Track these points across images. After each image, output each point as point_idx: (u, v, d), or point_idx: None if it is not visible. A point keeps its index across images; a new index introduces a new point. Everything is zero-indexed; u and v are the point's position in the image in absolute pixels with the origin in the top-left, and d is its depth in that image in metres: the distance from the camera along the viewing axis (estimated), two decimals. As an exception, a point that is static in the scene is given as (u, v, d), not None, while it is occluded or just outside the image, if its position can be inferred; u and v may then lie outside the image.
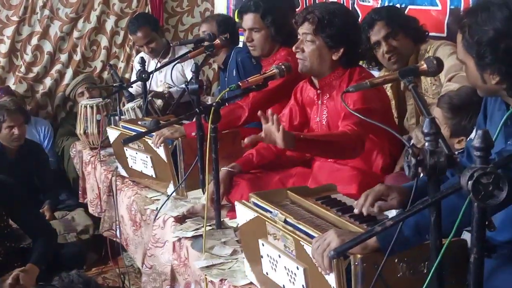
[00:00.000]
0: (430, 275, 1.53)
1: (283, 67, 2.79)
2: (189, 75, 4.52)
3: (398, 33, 3.08)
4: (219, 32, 3.99)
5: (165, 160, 3.17)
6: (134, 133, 3.21)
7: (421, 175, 1.56)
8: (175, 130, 3.18)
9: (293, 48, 2.83)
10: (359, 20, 3.56)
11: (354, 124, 2.62)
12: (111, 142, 3.72)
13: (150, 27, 4.87)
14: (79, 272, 1.96)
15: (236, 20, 4.50)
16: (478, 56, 1.81)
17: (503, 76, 1.80)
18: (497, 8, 1.79)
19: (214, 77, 5.95)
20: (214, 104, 2.65)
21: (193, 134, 3.02)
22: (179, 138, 3.17)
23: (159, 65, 4.47)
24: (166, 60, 4.71)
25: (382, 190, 1.98)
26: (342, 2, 4.17)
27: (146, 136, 3.11)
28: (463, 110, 2.39)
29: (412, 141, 1.57)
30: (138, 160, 3.43)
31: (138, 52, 5.60)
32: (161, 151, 3.16)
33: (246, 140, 2.53)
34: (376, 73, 3.30)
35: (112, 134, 3.64)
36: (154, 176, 3.36)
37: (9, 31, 5.46)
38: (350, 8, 4.08)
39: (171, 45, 4.94)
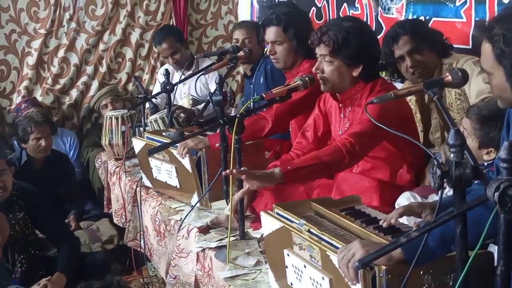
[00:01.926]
0: (457, 285, 1.52)
1: (306, 78, 2.82)
2: (213, 87, 4.55)
3: (423, 48, 3.07)
4: (257, 38, 4.00)
5: (190, 170, 3.18)
6: (158, 144, 3.23)
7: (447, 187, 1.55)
8: (199, 141, 3.19)
9: (313, 69, 2.84)
10: (383, 33, 3.57)
11: (352, 135, 2.64)
12: (136, 153, 3.74)
13: (175, 39, 4.90)
14: (117, 278, 1.97)
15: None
16: (511, 65, 1.79)
17: None
18: None
19: (238, 89, 5.98)
20: (238, 115, 2.66)
21: (217, 145, 3.03)
22: (203, 149, 3.18)
23: (183, 77, 4.51)
24: (190, 72, 4.73)
25: (414, 207, 1.97)
26: (365, 15, 4.19)
27: (171, 147, 3.13)
28: (492, 121, 2.37)
29: (441, 158, 1.56)
30: (163, 171, 3.45)
31: (162, 64, 5.66)
32: (186, 162, 3.18)
33: (234, 171, 2.57)
34: (398, 85, 3.29)
35: (138, 144, 3.66)
36: (178, 186, 3.37)
37: (36, 44, 5.53)
38: (374, 20, 4.09)
39: (195, 57, 4.97)
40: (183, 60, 4.85)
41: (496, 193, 1.33)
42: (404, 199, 2.48)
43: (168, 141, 3.20)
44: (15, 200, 3.42)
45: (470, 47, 3.36)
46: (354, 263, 1.67)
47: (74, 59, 5.66)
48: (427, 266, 1.71)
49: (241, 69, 5.39)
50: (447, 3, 3.52)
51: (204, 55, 4.77)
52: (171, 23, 5.81)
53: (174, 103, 4.53)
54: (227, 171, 2.60)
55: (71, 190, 4.68)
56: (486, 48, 1.85)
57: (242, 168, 2.62)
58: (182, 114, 4.34)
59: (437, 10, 3.60)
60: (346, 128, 2.87)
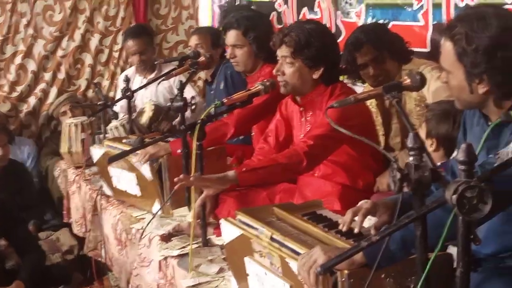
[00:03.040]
0: (418, 287, 1.54)
1: (267, 83, 2.81)
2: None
3: (385, 57, 3.11)
4: (211, 45, 3.99)
5: (150, 178, 3.16)
6: (118, 151, 3.20)
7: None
8: (160, 148, 3.16)
9: (274, 71, 2.85)
10: (343, 37, 3.59)
11: (311, 138, 2.67)
12: (94, 161, 3.70)
13: (148, 39, 4.89)
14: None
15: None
16: (472, 64, 1.81)
17: (495, 85, 1.82)
18: (493, 17, 1.81)
19: (200, 94, 5.96)
20: (198, 121, 2.65)
21: (179, 151, 3.01)
22: (164, 156, 3.16)
23: (144, 81, 4.48)
24: (152, 76, 4.71)
25: (369, 208, 1.98)
26: (324, 18, 4.21)
27: (131, 156, 3.11)
28: (447, 117, 2.41)
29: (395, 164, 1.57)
30: (123, 179, 3.42)
31: (122, 70, 5.62)
32: (145, 170, 3.16)
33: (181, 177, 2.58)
34: (358, 89, 3.31)
35: (96, 153, 3.63)
36: (139, 194, 3.34)
37: (-8, 51, 5.46)
38: (333, 24, 4.12)
39: (155, 62, 4.94)
40: (148, 62, 4.82)
41: (454, 196, 1.34)
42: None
43: (128, 148, 3.15)
44: None
45: (428, 50, 3.41)
46: (316, 268, 1.66)
47: (32, 65, 5.59)
48: (388, 269, 1.71)
49: (202, 74, 5.38)
50: (405, 7, 3.56)
51: (165, 61, 4.75)
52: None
53: (135, 108, 4.51)
54: (176, 179, 2.59)
55: (29, 200, 4.60)
56: (447, 46, 1.87)
57: (196, 173, 2.60)
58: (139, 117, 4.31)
59: (396, 14, 3.64)
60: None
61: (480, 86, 1.84)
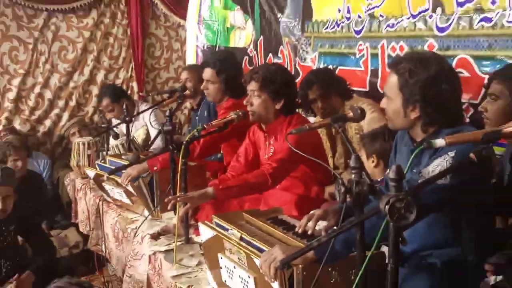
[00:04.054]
0: (356, 281, 1.54)
1: (240, 113, 2.82)
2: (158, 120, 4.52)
3: (331, 94, 3.13)
4: (198, 79, 3.96)
5: (135, 194, 3.14)
6: (105, 172, 3.18)
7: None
8: (139, 169, 3.08)
9: (244, 101, 2.84)
10: (300, 77, 3.62)
11: (275, 161, 2.66)
12: (91, 179, 3.61)
13: (110, 99, 4.66)
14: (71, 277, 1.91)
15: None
16: (410, 94, 1.84)
17: (424, 113, 1.85)
18: (432, 60, 1.86)
19: (185, 120, 5.95)
20: (184, 141, 2.63)
21: (155, 168, 3.01)
22: (156, 172, 3.11)
23: (141, 109, 4.46)
24: (147, 107, 4.67)
25: (320, 214, 1.99)
26: (286, 62, 4.25)
27: (115, 177, 3.08)
28: (379, 135, 2.42)
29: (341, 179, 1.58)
30: (115, 193, 3.39)
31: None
32: (130, 188, 3.13)
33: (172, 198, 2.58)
34: (312, 119, 3.34)
35: (90, 173, 3.56)
36: (131, 203, 3.31)
37: (16, 82, 5.39)
38: (293, 67, 4.16)
39: (149, 94, 4.88)
40: (119, 114, 4.58)
41: (386, 206, 1.35)
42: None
43: (117, 168, 3.00)
44: (10, 216, 3.26)
45: (367, 89, 3.45)
46: (276, 263, 1.67)
47: (48, 94, 5.54)
48: (334, 264, 1.72)
49: (188, 104, 5.35)
50: (350, 55, 3.61)
51: (157, 93, 4.73)
52: (130, 67, 5.77)
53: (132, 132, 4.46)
54: (166, 199, 2.60)
55: (43, 203, 4.50)
56: (392, 78, 1.90)
57: (180, 193, 2.60)
58: (135, 137, 4.24)
59: (342, 61, 3.68)
60: (271, 153, 2.87)
61: (413, 113, 1.87)
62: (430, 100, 1.83)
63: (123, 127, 4.16)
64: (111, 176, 3.10)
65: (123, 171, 3.04)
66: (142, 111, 4.37)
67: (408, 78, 1.85)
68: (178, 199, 2.55)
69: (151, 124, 4.58)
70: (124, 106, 3.98)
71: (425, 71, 1.83)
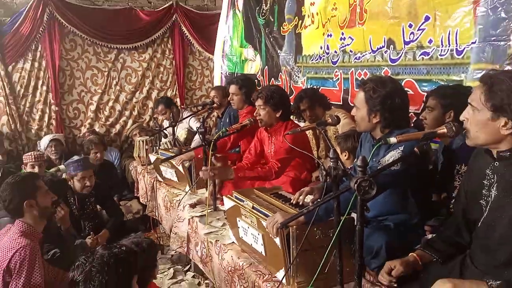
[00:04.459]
0: (334, 237, 1.54)
1: (252, 119, 2.83)
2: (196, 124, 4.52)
3: (315, 106, 3.12)
4: (222, 95, 3.95)
5: (183, 172, 3.13)
6: (165, 157, 3.16)
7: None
8: (188, 155, 3.13)
9: (254, 113, 2.84)
10: (294, 95, 3.60)
11: (278, 161, 2.65)
12: (152, 162, 3.65)
13: (164, 105, 4.68)
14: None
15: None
16: (372, 105, 1.83)
17: (383, 118, 1.84)
18: (388, 81, 1.85)
19: (213, 125, 5.96)
20: (212, 140, 2.64)
21: (199, 156, 3.00)
22: (194, 159, 3.13)
23: (183, 116, 4.47)
24: (188, 114, 4.68)
25: (308, 190, 1.99)
26: (284, 84, 4.24)
27: (172, 160, 3.07)
28: (350, 136, 2.42)
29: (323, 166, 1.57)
30: (168, 173, 3.38)
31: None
32: (180, 168, 3.13)
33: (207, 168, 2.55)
34: (302, 124, 3.33)
35: (152, 158, 3.58)
36: (177, 181, 3.31)
37: (95, 98, 5.40)
38: (288, 88, 4.15)
39: (188, 107, 4.89)
40: (169, 117, 4.62)
41: (355, 185, 1.35)
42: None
43: (172, 155, 3.13)
44: (91, 191, 3.28)
45: (341, 103, 3.44)
46: (277, 224, 1.67)
47: (118, 107, 5.53)
48: (318, 225, 1.71)
49: (215, 113, 5.36)
50: (329, 79, 3.60)
51: (194, 106, 4.72)
52: (175, 88, 5.75)
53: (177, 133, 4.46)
54: (200, 172, 2.58)
55: (115, 183, 4.52)
56: (360, 94, 1.89)
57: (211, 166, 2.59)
58: (178, 136, 4.23)
59: (323, 83, 3.67)
60: (272, 148, 2.86)
61: (374, 119, 1.86)
62: (387, 109, 1.82)
63: (170, 129, 4.17)
64: (169, 161, 3.10)
65: (175, 158, 3.05)
66: (184, 118, 4.38)
67: (371, 94, 1.84)
68: (209, 169, 2.53)
69: (190, 127, 4.58)
70: (171, 114, 3.99)
71: (384, 89, 1.82)
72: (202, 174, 2.57)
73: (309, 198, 1.97)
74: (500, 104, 1.29)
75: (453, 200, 1.91)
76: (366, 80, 1.93)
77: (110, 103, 5.48)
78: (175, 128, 3.99)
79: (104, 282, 1.38)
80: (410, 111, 2.41)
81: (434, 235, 1.77)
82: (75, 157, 3.34)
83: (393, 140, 1.55)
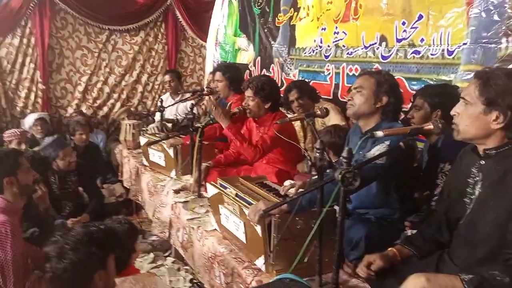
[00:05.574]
0: (315, 227, 1.54)
1: (241, 108, 2.79)
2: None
3: (304, 97, 3.10)
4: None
5: (172, 156, 3.11)
6: (154, 140, 3.14)
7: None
8: (176, 141, 3.12)
9: (243, 103, 2.81)
10: (284, 86, 3.59)
11: (261, 143, 2.68)
12: (141, 145, 3.60)
13: (174, 75, 4.67)
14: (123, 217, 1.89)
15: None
16: (378, 93, 1.84)
17: (386, 104, 1.85)
18: (386, 75, 1.88)
19: (202, 112, 5.90)
20: (200, 126, 2.60)
21: (187, 142, 2.97)
22: (180, 145, 3.10)
23: (172, 102, 4.41)
24: (177, 99, 4.63)
25: (301, 184, 1.97)
26: (275, 75, 4.21)
27: (161, 142, 3.04)
28: (328, 132, 2.43)
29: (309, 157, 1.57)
30: (156, 156, 3.33)
31: (159, 96, 5.49)
32: (170, 151, 3.10)
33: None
34: (290, 115, 3.31)
35: (143, 140, 3.54)
36: (164, 165, 3.27)
37: (84, 79, 5.30)
38: (280, 80, 4.13)
39: (178, 92, 4.85)
40: (175, 88, 4.62)
41: (339, 175, 1.35)
42: (288, 182, 2.47)
43: (159, 139, 3.10)
44: (73, 170, 3.24)
45: (331, 97, 3.44)
46: (260, 212, 1.66)
47: (106, 89, 5.43)
48: (300, 215, 1.71)
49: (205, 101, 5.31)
50: (320, 73, 3.59)
51: (185, 91, 4.66)
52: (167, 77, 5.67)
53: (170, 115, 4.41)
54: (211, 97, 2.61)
55: (100, 165, 4.46)
56: (371, 80, 1.88)
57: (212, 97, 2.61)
58: (166, 123, 4.19)
59: (315, 76, 3.67)
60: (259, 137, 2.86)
61: (380, 102, 1.85)
62: (391, 97, 1.85)
63: (158, 115, 4.12)
64: (159, 143, 3.08)
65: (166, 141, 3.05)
66: (172, 104, 4.32)
67: (381, 79, 1.86)
68: (212, 100, 2.59)
69: (178, 113, 4.54)
70: (160, 102, 3.95)
71: (387, 82, 1.87)
72: (206, 103, 2.56)
73: (293, 189, 1.96)
74: (493, 98, 1.30)
75: (435, 198, 1.92)
76: (376, 72, 1.93)
77: (99, 85, 5.39)
78: (163, 113, 3.94)
79: (75, 259, 1.36)
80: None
81: (413, 231, 1.78)
82: (48, 139, 3.25)
83: (379, 134, 1.55)
